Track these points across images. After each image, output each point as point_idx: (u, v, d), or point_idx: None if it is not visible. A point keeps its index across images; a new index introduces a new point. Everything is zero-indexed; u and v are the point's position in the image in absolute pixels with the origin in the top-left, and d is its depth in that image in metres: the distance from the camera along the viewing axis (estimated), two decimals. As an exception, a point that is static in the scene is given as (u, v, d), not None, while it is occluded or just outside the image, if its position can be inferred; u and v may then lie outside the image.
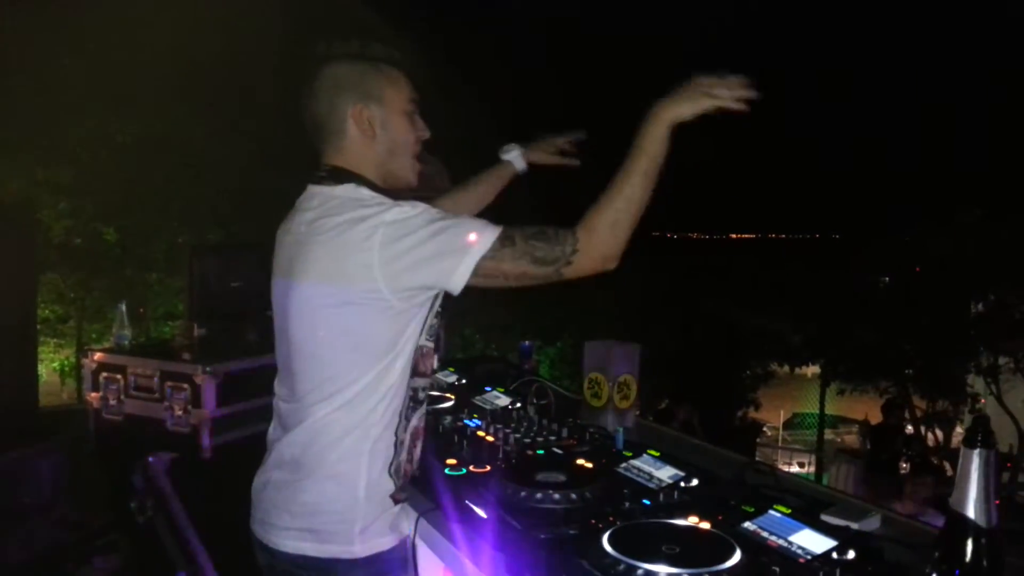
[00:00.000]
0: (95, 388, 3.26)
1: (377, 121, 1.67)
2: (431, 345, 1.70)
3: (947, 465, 8.85)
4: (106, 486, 2.99)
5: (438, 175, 2.84)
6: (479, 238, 1.50)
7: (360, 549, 1.61)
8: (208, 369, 3.02)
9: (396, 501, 1.66)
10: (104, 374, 3.23)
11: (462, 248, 1.49)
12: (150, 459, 2.66)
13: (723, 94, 1.54)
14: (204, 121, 7.16)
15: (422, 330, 1.64)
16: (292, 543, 1.63)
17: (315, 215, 1.61)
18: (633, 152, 1.56)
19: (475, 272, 1.50)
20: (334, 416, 1.60)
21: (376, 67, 1.70)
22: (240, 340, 3.26)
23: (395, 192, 1.65)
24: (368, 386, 1.58)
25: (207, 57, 6.83)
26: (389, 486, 1.64)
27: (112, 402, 3.20)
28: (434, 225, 1.51)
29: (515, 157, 2.21)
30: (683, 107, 1.55)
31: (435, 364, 2.87)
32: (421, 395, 1.71)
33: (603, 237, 1.54)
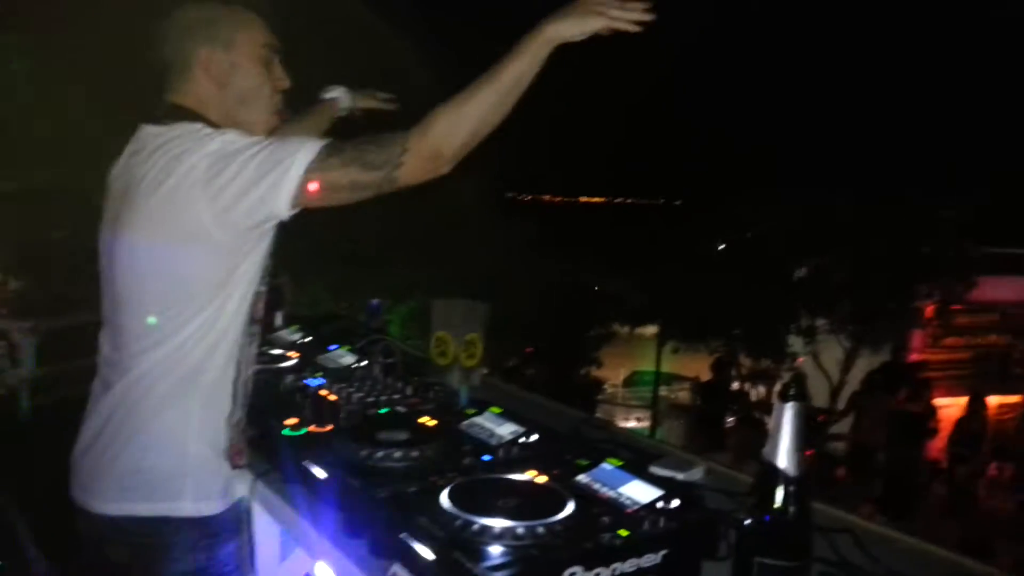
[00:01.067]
0: None
1: (226, 66, 1.59)
2: (264, 290, 1.64)
3: (767, 419, 9.56)
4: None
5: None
6: (302, 150, 1.43)
7: (191, 508, 1.56)
8: (27, 325, 2.81)
9: (235, 466, 1.62)
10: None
11: (285, 163, 1.41)
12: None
13: (616, 14, 1.43)
14: (30, 55, 6.56)
15: (258, 273, 1.58)
16: (115, 504, 1.56)
17: (144, 156, 1.53)
18: (504, 61, 1.43)
19: (301, 186, 1.41)
20: (161, 366, 1.53)
21: (230, 9, 1.63)
22: (63, 295, 3.04)
23: None
24: (197, 332, 1.52)
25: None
26: (223, 441, 1.59)
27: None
28: (256, 147, 1.45)
29: (341, 95, 2.18)
30: (571, 25, 1.43)
31: (279, 320, 2.81)
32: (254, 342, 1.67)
33: (438, 137, 1.42)
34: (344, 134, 1.71)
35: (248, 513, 1.70)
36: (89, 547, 1.63)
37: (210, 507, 1.58)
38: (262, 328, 1.71)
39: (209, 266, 1.50)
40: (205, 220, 1.44)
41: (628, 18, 1.43)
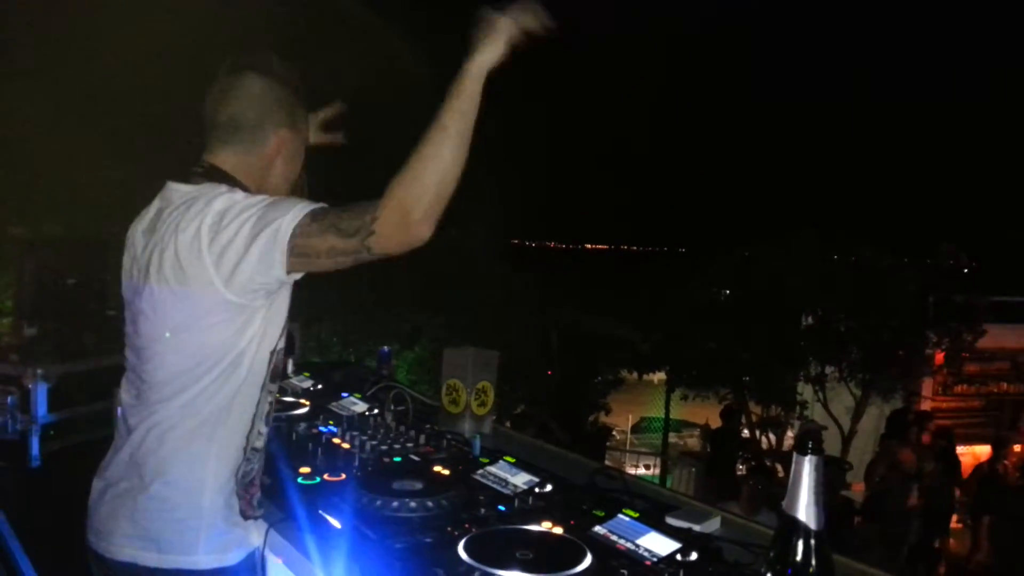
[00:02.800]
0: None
1: (292, 148, 1.69)
2: (283, 347, 1.65)
3: (779, 467, 9.44)
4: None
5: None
6: (290, 213, 1.43)
7: (204, 560, 1.55)
8: (39, 371, 2.82)
9: (247, 517, 1.61)
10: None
11: (274, 225, 1.42)
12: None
13: (525, 20, 1.44)
14: (48, 103, 6.68)
15: (277, 330, 1.60)
16: (130, 551, 1.55)
17: (167, 215, 1.56)
18: (444, 109, 1.42)
19: (291, 252, 1.42)
20: (177, 415, 1.54)
21: (297, 97, 1.70)
22: (75, 341, 3.06)
23: None
24: (212, 384, 1.53)
25: (62, 31, 6.41)
26: (237, 493, 1.59)
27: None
28: (252, 208, 1.47)
29: None
30: (490, 53, 1.44)
31: (290, 367, 2.82)
32: (272, 400, 1.67)
33: (403, 199, 1.38)
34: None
35: (263, 562, 1.69)
36: None
37: (223, 559, 1.57)
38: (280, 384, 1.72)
39: (224, 323, 1.51)
40: (215, 280, 1.46)
41: (536, 21, 1.44)
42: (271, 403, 1.65)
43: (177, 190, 1.60)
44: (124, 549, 1.56)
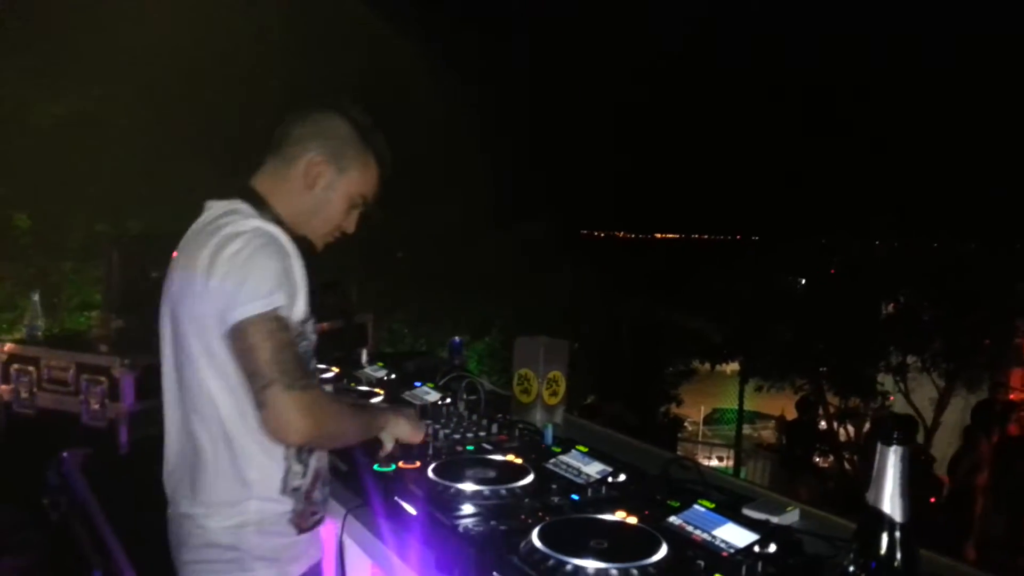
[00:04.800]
0: (5, 380, 3.12)
1: (324, 182, 1.67)
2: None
3: (857, 459, 9.20)
4: (18, 482, 2.87)
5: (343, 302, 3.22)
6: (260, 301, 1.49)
7: (268, 574, 1.57)
8: (126, 362, 2.92)
9: (301, 530, 1.61)
10: (15, 366, 3.10)
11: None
12: (64, 454, 2.56)
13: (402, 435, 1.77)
14: (126, 105, 6.92)
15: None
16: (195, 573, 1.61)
17: (196, 230, 1.62)
18: (365, 422, 1.69)
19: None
20: (205, 449, 1.57)
21: (365, 149, 1.71)
22: (159, 333, 3.16)
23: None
24: (229, 399, 1.54)
25: (138, 39, 6.62)
26: (286, 506, 1.59)
27: (24, 395, 3.08)
28: (245, 251, 1.52)
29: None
30: (405, 433, 1.76)
31: (364, 358, 2.85)
32: None
33: (295, 413, 1.46)
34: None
35: (341, 547, 1.72)
36: None
37: (286, 571, 1.59)
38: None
39: (221, 345, 1.53)
40: (207, 310, 1.52)
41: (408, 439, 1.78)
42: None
43: (212, 207, 1.65)
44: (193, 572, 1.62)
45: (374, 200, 1.76)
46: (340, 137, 1.68)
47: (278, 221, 1.61)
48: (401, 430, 1.75)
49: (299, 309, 1.55)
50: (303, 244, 1.64)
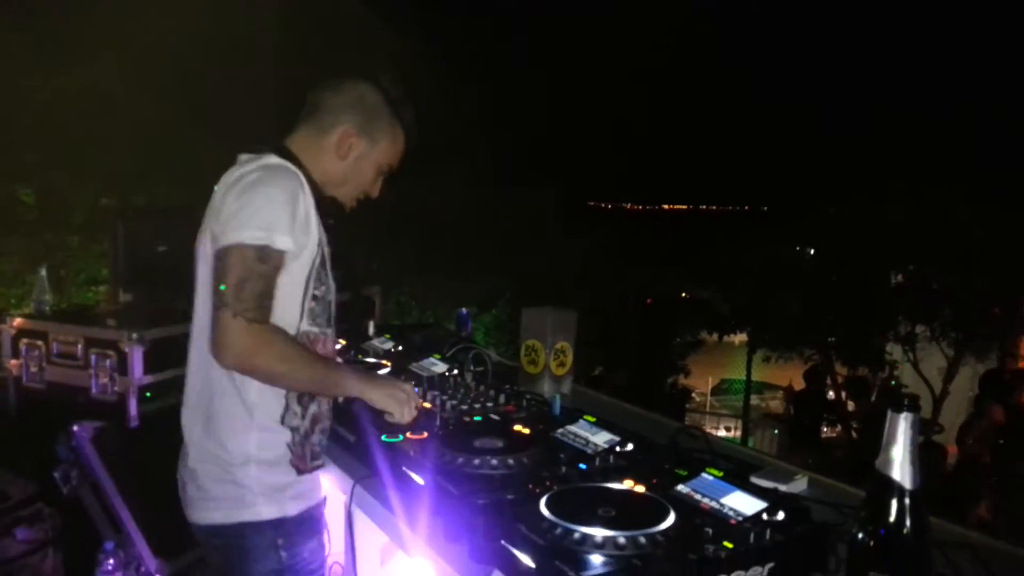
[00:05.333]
0: (15, 355, 3.14)
1: (356, 153, 1.75)
2: (317, 331, 1.70)
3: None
4: (29, 456, 2.90)
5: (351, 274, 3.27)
6: (256, 232, 1.54)
7: (266, 511, 1.64)
8: (135, 335, 2.93)
9: (301, 472, 1.68)
10: (24, 341, 3.12)
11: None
12: (75, 428, 2.58)
13: (399, 415, 1.70)
14: (131, 77, 6.88)
15: (300, 311, 1.65)
16: (203, 514, 1.67)
17: (229, 177, 1.65)
18: (334, 377, 1.67)
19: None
20: (216, 379, 1.64)
21: (393, 119, 1.78)
22: (167, 306, 3.17)
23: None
24: None
25: (142, 11, 6.57)
26: (286, 448, 1.67)
27: (33, 369, 3.09)
28: (251, 191, 1.58)
29: None
30: (376, 397, 1.69)
31: (371, 329, 2.86)
32: None
33: (252, 344, 1.52)
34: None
35: (350, 516, 1.73)
36: (197, 549, 1.73)
37: (283, 509, 1.66)
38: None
39: None
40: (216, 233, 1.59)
41: (402, 420, 1.71)
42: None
43: (242, 159, 1.70)
44: (198, 514, 1.69)
45: (399, 167, 1.84)
46: (372, 108, 1.75)
47: (309, 180, 1.67)
48: (375, 398, 1.70)
49: (302, 243, 1.60)
50: (332, 205, 1.75)
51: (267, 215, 1.54)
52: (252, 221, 1.53)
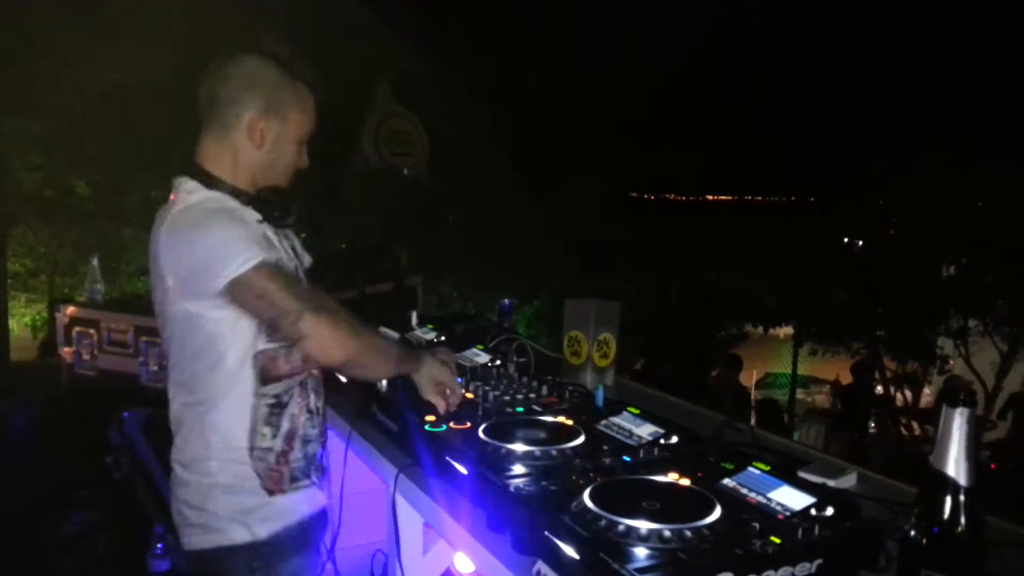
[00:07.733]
0: (68, 343, 3.21)
1: (271, 136, 1.66)
2: (275, 346, 1.64)
3: (915, 425, 9.00)
4: (81, 441, 2.97)
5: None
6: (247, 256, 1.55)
7: (237, 535, 1.64)
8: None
9: (272, 493, 1.66)
10: (77, 328, 3.19)
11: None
12: (125, 415, 2.63)
13: (442, 405, 1.76)
14: (184, 71, 7.00)
15: (256, 335, 1.61)
16: (183, 540, 1.70)
17: (174, 217, 1.62)
18: (403, 352, 1.78)
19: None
20: (182, 408, 1.67)
21: (294, 84, 1.68)
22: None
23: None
24: (201, 367, 1.62)
25: (191, 4, 6.66)
26: (254, 471, 1.64)
27: (85, 357, 3.16)
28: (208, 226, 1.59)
29: None
30: (438, 372, 1.77)
31: (414, 320, 2.87)
32: (285, 398, 1.68)
33: (331, 340, 1.59)
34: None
35: (394, 505, 1.74)
36: None
37: (252, 533, 1.64)
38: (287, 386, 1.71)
39: (200, 326, 1.60)
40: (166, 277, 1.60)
41: (449, 404, 1.77)
42: (269, 406, 1.65)
43: (184, 190, 1.66)
44: (183, 539, 1.71)
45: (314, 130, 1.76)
46: (269, 83, 1.65)
47: (234, 193, 1.63)
48: (437, 371, 1.77)
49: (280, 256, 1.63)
50: (269, 192, 1.68)
51: (233, 245, 1.53)
52: (228, 256, 1.52)
